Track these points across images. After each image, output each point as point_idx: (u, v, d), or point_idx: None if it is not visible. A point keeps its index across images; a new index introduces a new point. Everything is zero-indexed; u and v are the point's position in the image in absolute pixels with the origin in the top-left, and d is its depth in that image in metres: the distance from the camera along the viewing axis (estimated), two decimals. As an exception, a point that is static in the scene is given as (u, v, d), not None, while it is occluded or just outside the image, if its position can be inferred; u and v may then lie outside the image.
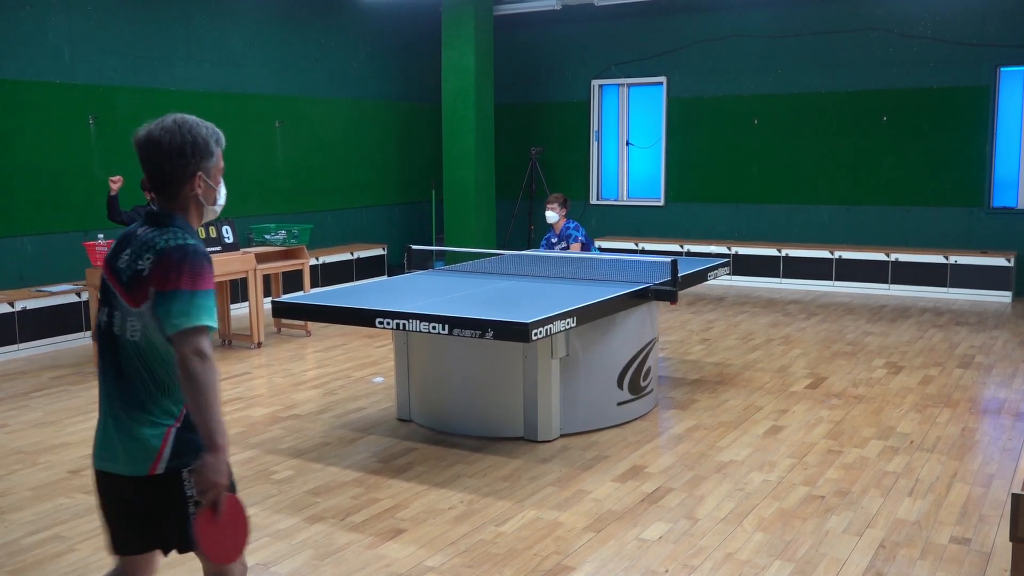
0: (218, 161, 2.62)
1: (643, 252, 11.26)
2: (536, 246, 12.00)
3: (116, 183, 7.47)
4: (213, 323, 2.44)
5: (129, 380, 2.51)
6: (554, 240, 8.64)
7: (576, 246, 8.55)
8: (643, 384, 5.84)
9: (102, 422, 2.59)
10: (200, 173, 2.56)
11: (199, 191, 2.58)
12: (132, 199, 8.17)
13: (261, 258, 8.08)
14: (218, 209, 2.69)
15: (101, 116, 8.64)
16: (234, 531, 2.49)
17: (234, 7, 9.92)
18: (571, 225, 8.69)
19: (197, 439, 2.48)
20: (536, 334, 4.55)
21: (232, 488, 2.57)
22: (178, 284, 2.40)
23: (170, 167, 2.52)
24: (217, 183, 2.63)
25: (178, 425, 2.54)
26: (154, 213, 2.58)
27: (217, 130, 2.64)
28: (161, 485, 2.51)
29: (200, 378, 2.38)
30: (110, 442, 2.54)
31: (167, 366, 2.49)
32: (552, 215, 8.45)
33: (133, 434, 2.50)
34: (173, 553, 2.64)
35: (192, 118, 2.57)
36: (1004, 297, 9.95)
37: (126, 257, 2.53)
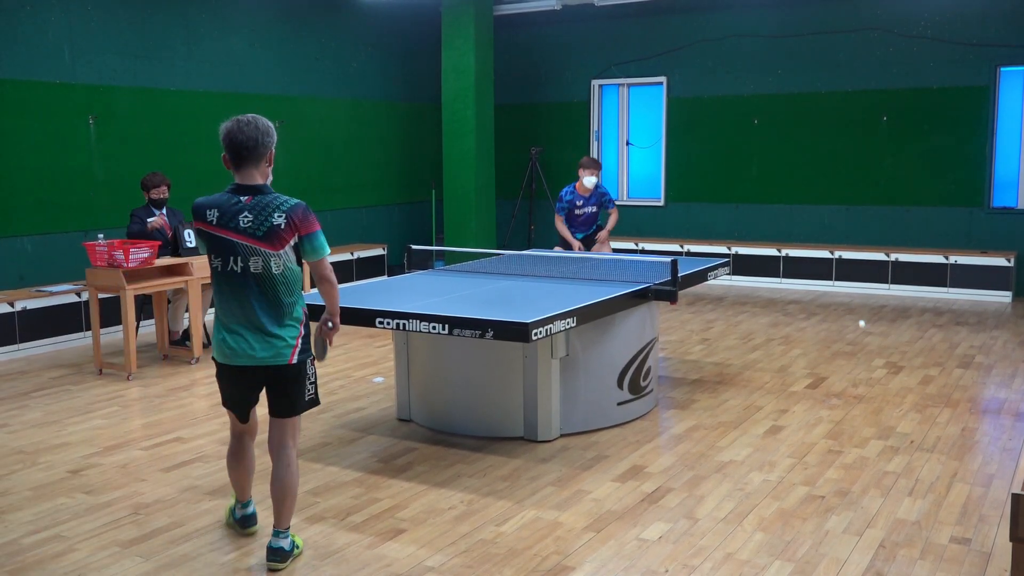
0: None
1: (643, 252, 11.26)
2: (537, 246, 12.01)
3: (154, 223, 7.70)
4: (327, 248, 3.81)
5: (271, 301, 3.69)
6: (580, 202, 8.67)
7: (615, 212, 8.84)
8: (643, 384, 5.84)
9: (240, 334, 3.70)
10: (272, 151, 3.71)
11: (270, 165, 3.74)
12: (132, 199, 8.17)
13: (261, 258, 8.05)
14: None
15: (101, 116, 8.64)
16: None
17: (234, 7, 9.91)
18: (603, 189, 8.83)
19: (309, 341, 3.87)
20: (536, 334, 4.55)
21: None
22: (314, 227, 3.72)
23: (264, 143, 3.65)
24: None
25: (303, 332, 3.79)
26: (250, 186, 3.67)
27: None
28: (292, 370, 3.77)
29: (334, 281, 3.87)
30: (251, 346, 3.69)
31: (296, 288, 3.77)
32: (593, 179, 8.57)
33: (274, 337, 3.70)
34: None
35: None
36: (1004, 297, 9.95)
37: (249, 218, 3.62)
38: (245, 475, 4.07)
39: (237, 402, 3.91)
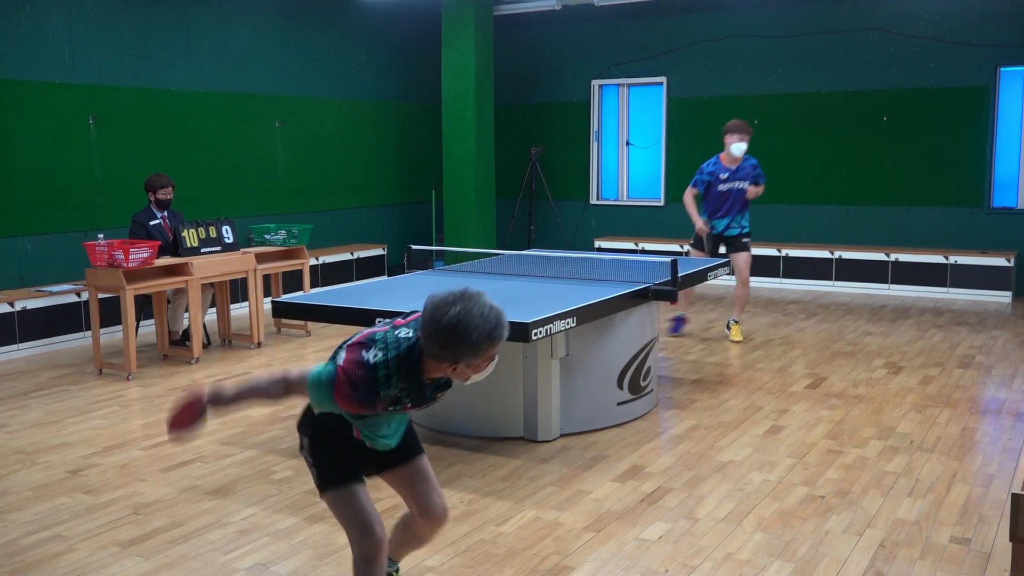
0: (486, 354, 2.64)
1: (643, 252, 11.26)
2: (538, 245, 12.01)
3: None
4: (310, 395, 2.80)
5: None
6: (724, 175, 7.58)
7: (761, 189, 7.63)
8: (643, 384, 5.84)
9: None
10: (458, 366, 2.64)
11: (451, 372, 2.68)
12: (132, 199, 8.18)
13: (261, 258, 8.07)
14: (473, 381, 2.76)
15: (101, 116, 8.64)
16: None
17: (234, 7, 9.91)
18: (754, 161, 7.66)
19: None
20: (536, 334, 4.54)
21: None
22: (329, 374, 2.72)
23: (431, 347, 2.61)
24: (478, 370, 2.69)
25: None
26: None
27: (498, 326, 2.62)
28: None
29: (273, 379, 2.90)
30: None
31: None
32: (743, 146, 7.43)
33: None
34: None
35: (476, 312, 2.57)
36: (1004, 297, 9.95)
37: None
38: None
39: None
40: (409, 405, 2.78)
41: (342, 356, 2.69)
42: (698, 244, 7.99)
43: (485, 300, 2.61)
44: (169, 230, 7.65)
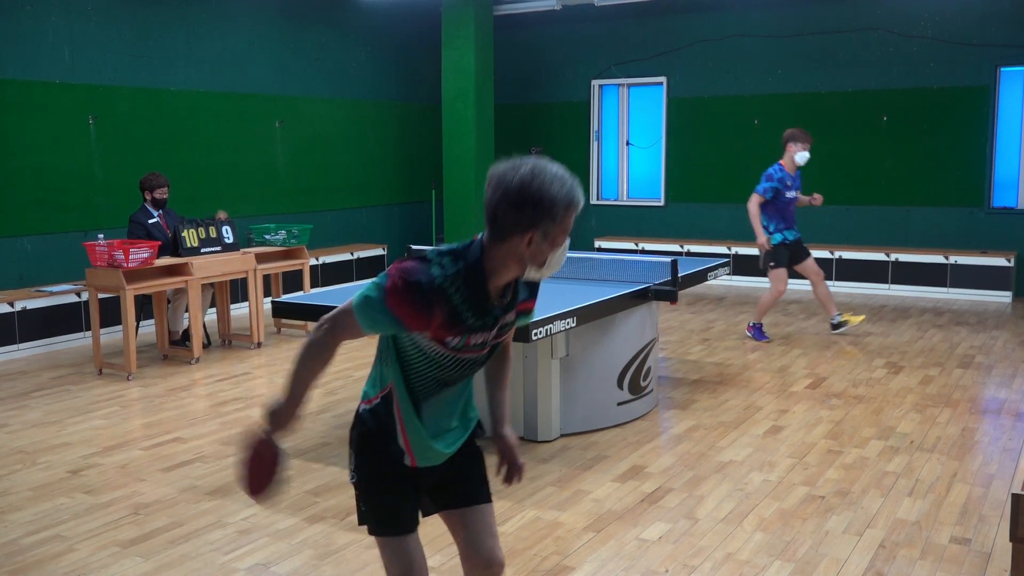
0: (564, 221, 2.32)
1: (643, 252, 11.26)
2: None
3: None
4: (360, 318, 2.38)
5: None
6: (789, 183, 7.65)
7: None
8: (643, 384, 5.84)
9: None
10: (534, 234, 2.30)
11: (526, 250, 2.33)
12: (132, 199, 8.16)
13: (261, 258, 8.07)
14: (545, 273, 2.42)
15: (101, 116, 8.64)
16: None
17: (234, 7, 9.91)
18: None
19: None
20: (536, 334, 4.54)
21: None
22: (380, 280, 2.34)
23: (503, 214, 2.30)
24: (555, 245, 2.35)
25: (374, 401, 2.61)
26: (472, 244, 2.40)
27: (574, 188, 2.33)
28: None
29: (309, 341, 2.54)
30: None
31: (384, 353, 2.58)
32: (807, 155, 7.59)
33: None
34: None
35: (551, 171, 2.29)
36: (1004, 297, 9.95)
37: None
38: None
39: None
40: (472, 339, 2.42)
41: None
42: (772, 259, 7.81)
43: (556, 165, 2.34)
44: (168, 228, 7.65)
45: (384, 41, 11.92)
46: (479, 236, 2.40)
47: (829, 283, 10.74)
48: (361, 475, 2.56)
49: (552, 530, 4.16)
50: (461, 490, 2.73)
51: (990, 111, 10.22)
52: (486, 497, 2.77)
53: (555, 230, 2.30)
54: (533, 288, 2.57)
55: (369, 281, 2.41)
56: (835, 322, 8.21)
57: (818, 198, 7.95)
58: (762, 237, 7.70)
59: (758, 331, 8.08)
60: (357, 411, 2.61)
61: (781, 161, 7.70)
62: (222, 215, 8.06)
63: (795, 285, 10.88)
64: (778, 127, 11.26)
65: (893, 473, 4.83)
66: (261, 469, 2.50)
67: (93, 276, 6.97)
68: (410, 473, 2.57)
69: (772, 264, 7.81)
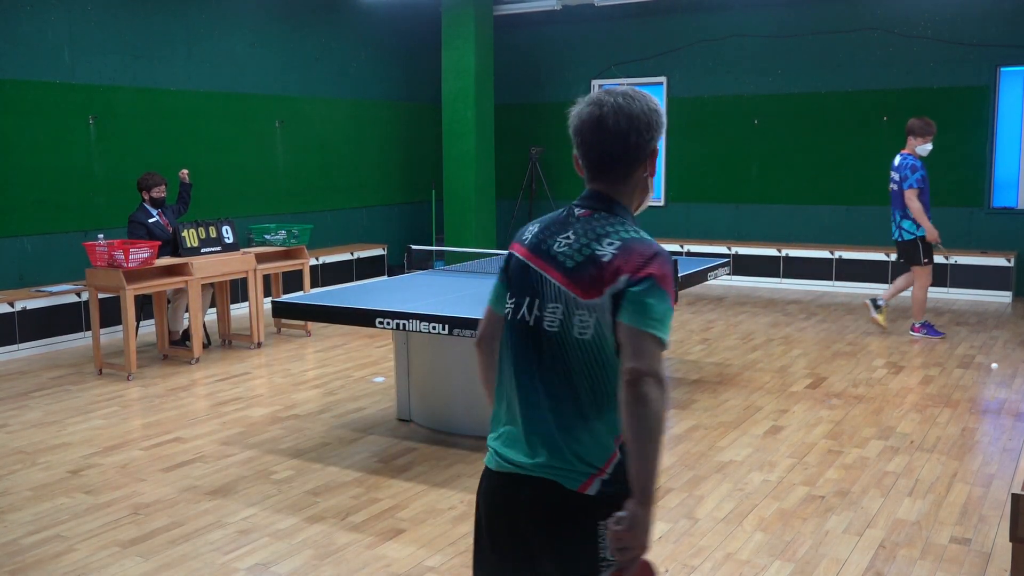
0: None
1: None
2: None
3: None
4: (668, 335, 1.97)
5: (566, 383, 2.05)
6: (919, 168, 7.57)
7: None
8: (643, 384, 5.82)
9: (514, 433, 2.24)
10: (655, 152, 2.13)
11: (649, 174, 2.17)
12: (132, 199, 8.16)
13: (261, 258, 8.08)
14: (648, 203, 2.29)
15: (101, 116, 8.64)
16: None
17: (234, 7, 9.91)
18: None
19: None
20: (536, 334, 4.53)
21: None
22: (651, 273, 1.99)
23: (636, 140, 2.08)
24: (654, 160, 2.17)
25: (617, 456, 2.01)
26: (597, 195, 2.18)
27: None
28: (581, 503, 2.01)
29: (652, 406, 1.86)
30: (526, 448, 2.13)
31: (615, 372, 1.99)
32: (929, 146, 7.56)
33: (566, 444, 2.03)
34: None
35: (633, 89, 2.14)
36: (1004, 297, 9.95)
37: (570, 240, 2.12)
38: None
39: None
40: None
41: (650, 269, 2.00)
42: (927, 254, 7.75)
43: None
44: (168, 225, 7.66)
45: (384, 41, 11.92)
46: (584, 201, 2.17)
47: (829, 283, 10.75)
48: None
49: (552, 530, 4.15)
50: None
51: (990, 111, 10.22)
52: None
53: (656, 147, 2.15)
54: None
55: (639, 294, 1.97)
56: (879, 303, 8.30)
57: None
58: (933, 231, 7.60)
59: (930, 328, 8.10)
60: (575, 494, 2.00)
61: (906, 151, 7.62)
62: (183, 173, 8.06)
63: (795, 285, 10.88)
64: (778, 127, 11.33)
65: (893, 473, 4.83)
66: None
67: (93, 276, 6.98)
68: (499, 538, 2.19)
69: (926, 260, 7.83)
